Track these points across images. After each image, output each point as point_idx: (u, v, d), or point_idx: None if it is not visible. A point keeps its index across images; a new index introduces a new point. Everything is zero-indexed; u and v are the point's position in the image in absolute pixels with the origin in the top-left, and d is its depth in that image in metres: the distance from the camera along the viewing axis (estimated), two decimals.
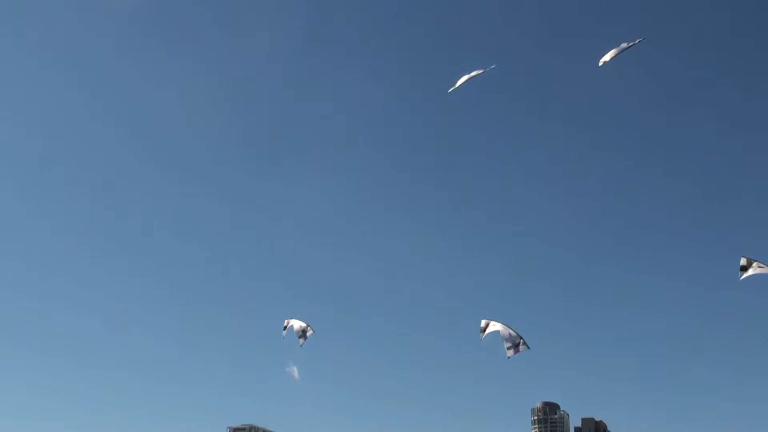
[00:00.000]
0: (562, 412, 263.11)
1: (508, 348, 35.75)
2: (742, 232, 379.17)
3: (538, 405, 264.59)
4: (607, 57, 41.63)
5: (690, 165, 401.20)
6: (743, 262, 39.12)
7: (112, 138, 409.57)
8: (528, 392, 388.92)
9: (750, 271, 39.01)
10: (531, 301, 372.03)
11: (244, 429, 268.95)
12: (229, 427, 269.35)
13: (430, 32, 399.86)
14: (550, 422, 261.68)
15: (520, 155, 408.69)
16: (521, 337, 35.46)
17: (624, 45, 41.31)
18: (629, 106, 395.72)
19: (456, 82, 45.28)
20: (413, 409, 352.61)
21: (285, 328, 46.13)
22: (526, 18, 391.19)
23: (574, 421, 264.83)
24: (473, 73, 43.94)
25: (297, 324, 45.41)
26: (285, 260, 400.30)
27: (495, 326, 36.61)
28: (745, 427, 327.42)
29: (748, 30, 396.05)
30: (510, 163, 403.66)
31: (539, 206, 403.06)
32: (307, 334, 44.30)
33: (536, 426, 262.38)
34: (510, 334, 36.20)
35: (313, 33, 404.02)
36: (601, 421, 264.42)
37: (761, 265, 38.78)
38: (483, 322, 36.82)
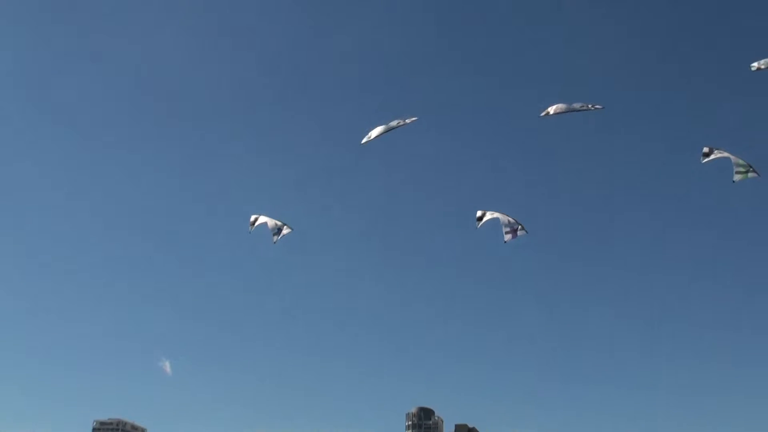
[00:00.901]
0: (436, 418, 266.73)
1: (507, 233, 35.66)
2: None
3: (413, 410, 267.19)
4: (551, 110, 38.74)
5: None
6: (705, 149, 41.26)
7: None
8: (404, 397, 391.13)
9: (712, 156, 41.11)
10: (412, 305, 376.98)
11: (111, 423, 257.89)
12: (96, 421, 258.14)
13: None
14: (425, 427, 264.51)
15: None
16: (520, 223, 35.48)
17: (576, 105, 38.40)
18: None
19: (369, 133, 39.25)
20: (285, 411, 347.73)
21: (252, 224, 43.66)
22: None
23: (448, 427, 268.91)
24: (392, 124, 38.70)
25: (271, 221, 42.97)
26: (160, 236, 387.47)
27: (492, 214, 36.16)
28: None
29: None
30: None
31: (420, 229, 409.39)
32: (283, 231, 42.00)
33: (410, 431, 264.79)
34: (509, 220, 36.12)
35: None
36: (474, 427, 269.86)
37: (721, 151, 41.07)
38: (479, 213, 36.29)
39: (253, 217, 41.25)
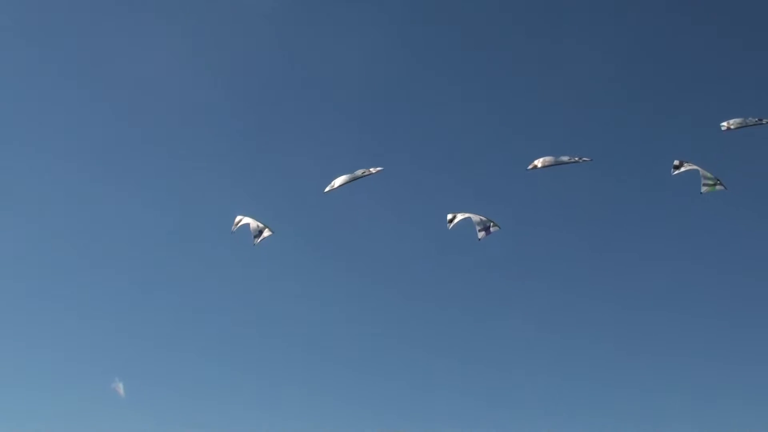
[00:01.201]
0: None
1: (480, 230, 36.32)
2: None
3: None
4: (538, 164, 37.90)
5: None
6: (676, 162, 41.92)
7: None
8: (367, 422, 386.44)
9: (682, 168, 41.78)
10: (377, 329, 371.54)
11: None
12: None
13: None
14: None
15: None
16: (491, 220, 36.44)
17: (564, 158, 37.78)
18: None
19: (332, 182, 38.00)
20: None
21: (236, 224, 43.79)
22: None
23: None
24: (357, 173, 37.42)
25: (253, 222, 43.05)
26: (114, 256, 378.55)
27: (464, 215, 37.17)
28: None
29: None
30: None
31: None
32: (264, 234, 42.01)
33: None
34: (481, 219, 36.77)
35: None
36: None
37: (690, 164, 41.86)
38: (450, 215, 37.41)
39: (237, 218, 41.19)
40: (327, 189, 37.11)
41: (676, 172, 43.58)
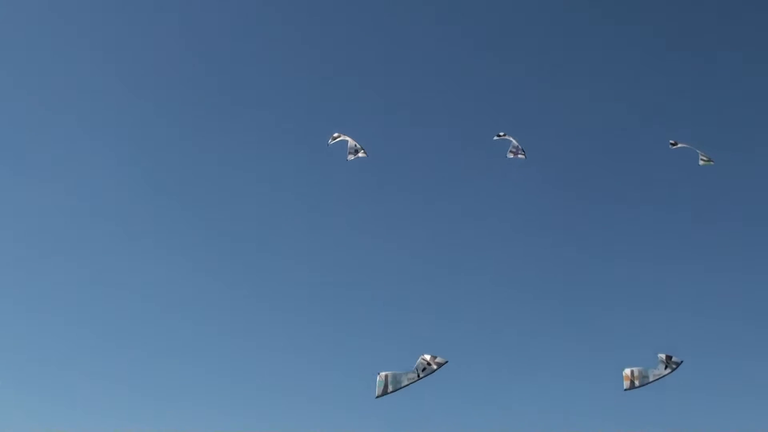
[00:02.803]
0: None
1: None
2: None
3: None
4: (636, 381, 32.42)
5: None
6: (672, 141, 41.14)
7: None
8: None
9: (678, 145, 40.84)
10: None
11: None
12: None
13: None
14: None
15: None
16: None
17: (660, 372, 32.09)
18: None
19: (384, 382, 29.94)
20: None
21: (334, 139, 48.63)
22: None
23: None
24: (419, 365, 29.97)
25: (351, 141, 47.70)
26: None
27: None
28: None
29: None
30: None
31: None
32: (359, 154, 46.21)
33: None
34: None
35: None
36: None
37: (685, 143, 40.95)
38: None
39: (335, 134, 44.93)
40: (378, 394, 28.15)
41: (674, 147, 42.02)
